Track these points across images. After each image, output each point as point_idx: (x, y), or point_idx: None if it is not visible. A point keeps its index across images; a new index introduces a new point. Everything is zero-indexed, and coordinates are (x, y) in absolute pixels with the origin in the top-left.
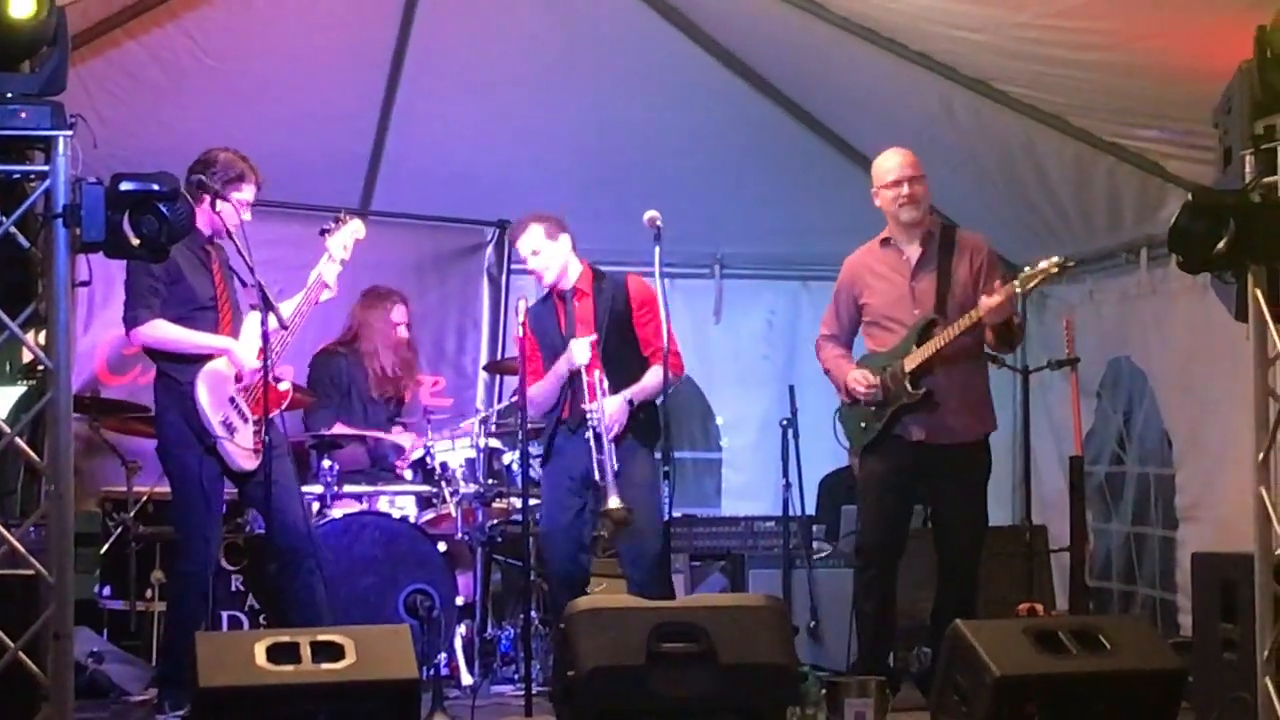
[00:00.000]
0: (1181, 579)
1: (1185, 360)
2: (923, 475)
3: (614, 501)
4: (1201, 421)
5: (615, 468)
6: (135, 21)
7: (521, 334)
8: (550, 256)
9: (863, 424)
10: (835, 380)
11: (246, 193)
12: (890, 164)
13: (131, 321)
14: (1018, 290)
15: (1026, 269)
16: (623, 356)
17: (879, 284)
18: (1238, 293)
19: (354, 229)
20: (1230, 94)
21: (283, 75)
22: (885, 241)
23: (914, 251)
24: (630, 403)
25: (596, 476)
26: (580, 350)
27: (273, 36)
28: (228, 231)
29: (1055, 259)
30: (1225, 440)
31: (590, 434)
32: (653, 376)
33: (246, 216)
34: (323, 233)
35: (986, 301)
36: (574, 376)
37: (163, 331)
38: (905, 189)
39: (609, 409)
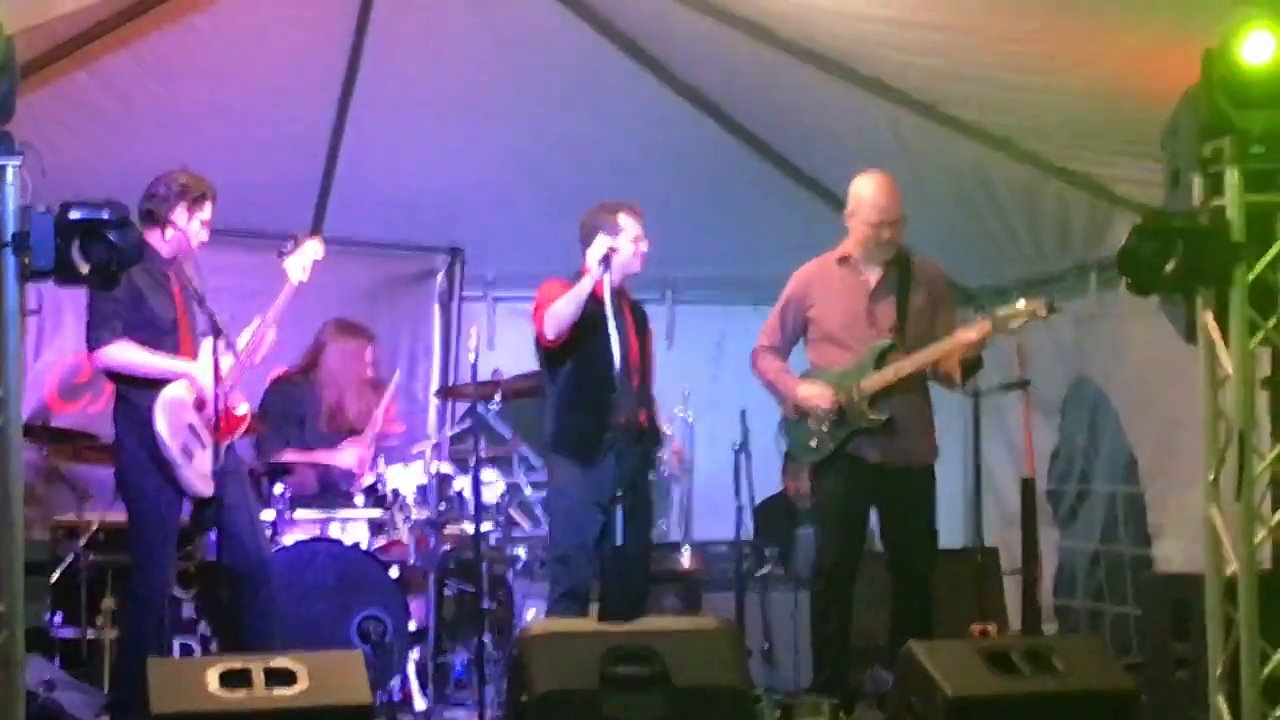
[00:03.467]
0: None
1: (1142, 380)
2: (877, 497)
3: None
4: (1167, 440)
5: None
6: (82, 51)
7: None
8: (635, 247)
9: (812, 442)
10: (782, 392)
11: (207, 212)
12: (881, 201)
13: (95, 342)
14: (994, 330)
15: (1006, 309)
16: (647, 374)
17: (834, 302)
18: (1187, 314)
19: (312, 250)
20: (1177, 117)
21: (232, 101)
22: (843, 260)
23: (873, 274)
24: None
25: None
26: (599, 246)
27: (222, 62)
28: (176, 257)
29: (1041, 302)
30: (1195, 457)
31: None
32: None
33: (204, 237)
34: (280, 255)
35: (964, 336)
36: (612, 378)
37: (126, 355)
38: (886, 234)
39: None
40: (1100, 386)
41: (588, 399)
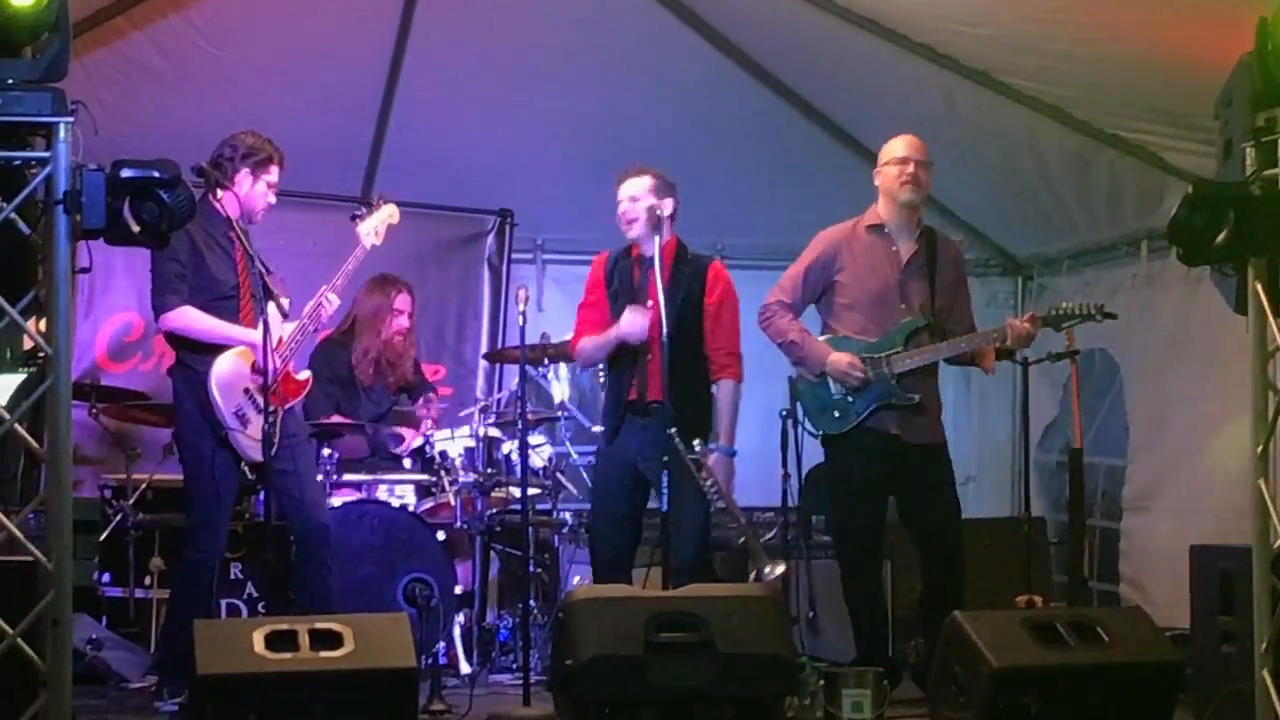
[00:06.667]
0: (1127, 570)
1: (1164, 351)
2: (894, 472)
3: (767, 571)
4: (1165, 414)
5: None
6: (137, 9)
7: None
8: (642, 209)
9: (835, 413)
10: (807, 354)
11: (273, 174)
12: (899, 144)
13: (160, 307)
14: (1045, 326)
15: (1064, 306)
16: (686, 339)
17: (866, 270)
18: (1237, 285)
19: (387, 214)
20: (1231, 86)
21: (284, 63)
22: (875, 227)
23: (907, 247)
24: (734, 453)
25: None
26: (630, 320)
27: (275, 24)
28: (231, 220)
29: (1101, 308)
30: (1186, 432)
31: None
32: (730, 402)
33: (271, 200)
34: (353, 218)
35: (1017, 329)
36: (636, 354)
37: (191, 319)
38: (910, 168)
39: (720, 473)
40: (1115, 358)
41: (612, 373)
